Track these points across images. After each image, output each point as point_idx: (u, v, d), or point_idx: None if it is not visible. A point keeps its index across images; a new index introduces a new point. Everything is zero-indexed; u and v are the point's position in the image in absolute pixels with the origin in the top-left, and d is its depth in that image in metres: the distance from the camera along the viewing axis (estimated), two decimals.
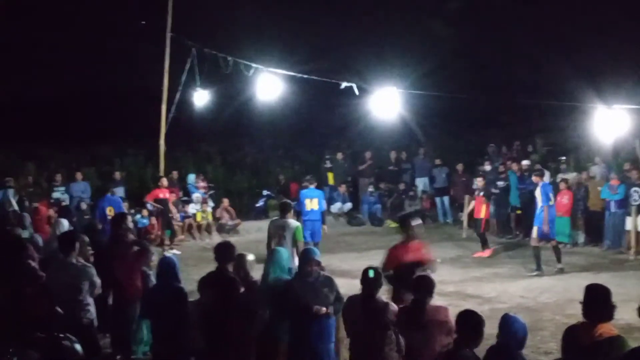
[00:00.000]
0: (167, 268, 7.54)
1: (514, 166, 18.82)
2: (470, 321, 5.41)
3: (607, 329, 5.22)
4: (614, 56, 20.54)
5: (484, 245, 16.38)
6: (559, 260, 14.23)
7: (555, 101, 17.19)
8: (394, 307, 6.55)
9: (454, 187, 20.73)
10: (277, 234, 11.30)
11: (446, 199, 20.53)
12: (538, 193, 14.29)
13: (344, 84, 12.45)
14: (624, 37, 20.59)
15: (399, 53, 23.22)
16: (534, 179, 15.00)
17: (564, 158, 19.74)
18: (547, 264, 14.25)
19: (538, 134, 22.44)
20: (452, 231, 19.19)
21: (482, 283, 13.36)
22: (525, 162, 19.21)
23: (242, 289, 7.33)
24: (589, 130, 12.59)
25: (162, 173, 18.96)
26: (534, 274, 13.83)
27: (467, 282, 13.46)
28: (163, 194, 18.16)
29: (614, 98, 12.22)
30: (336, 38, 24.49)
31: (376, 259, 15.50)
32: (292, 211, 11.93)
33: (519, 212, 18.50)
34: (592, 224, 17.20)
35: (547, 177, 18.14)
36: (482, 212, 16.50)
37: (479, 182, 17.05)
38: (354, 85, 12.33)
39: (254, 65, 14.55)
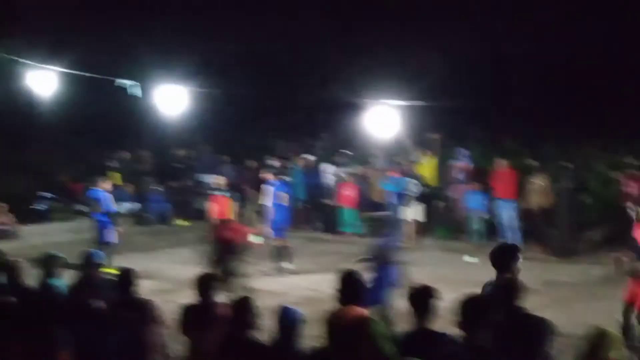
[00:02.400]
0: None
1: (299, 161, 19.32)
2: (243, 306, 5.61)
3: (355, 310, 5.49)
4: (390, 53, 21.63)
5: None
6: (283, 260, 14.17)
7: (338, 97, 17.88)
8: (155, 304, 6.48)
9: (245, 183, 20.86)
10: None
11: (235, 195, 20.59)
12: (269, 190, 14.37)
13: (121, 82, 12.13)
14: (392, 37, 21.79)
15: (187, 51, 23.03)
16: (264, 175, 14.93)
17: (347, 152, 20.51)
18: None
19: (324, 129, 23.13)
20: None
21: (271, 278, 13.55)
22: (309, 156, 19.81)
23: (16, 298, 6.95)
24: (370, 125, 13.18)
25: None
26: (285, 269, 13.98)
27: (256, 277, 13.60)
28: None
29: (390, 94, 12.86)
30: (118, 33, 23.83)
31: (164, 259, 15.46)
32: None
33: (305, 206, 19.02)
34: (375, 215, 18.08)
35: (331, 170, 18.80)
36: (225, 212, 15.49)
37: (217, 180, 16.29)
38: (132, 84, 12.05)
39: (21, 60, 13.75)
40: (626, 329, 8.56)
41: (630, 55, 19.01)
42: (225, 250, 12.10)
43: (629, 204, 9.33)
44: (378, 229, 17.03)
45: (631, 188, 14.43)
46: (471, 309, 4.79)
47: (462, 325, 4.77)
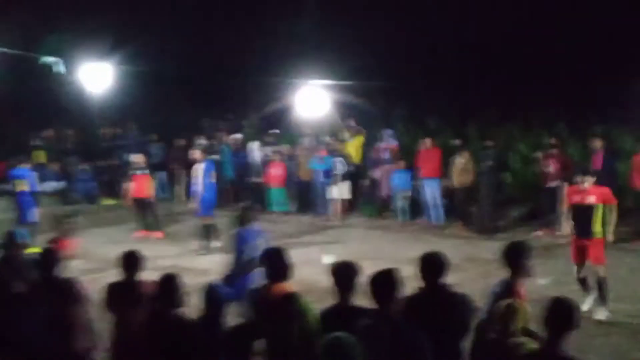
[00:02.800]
0: None
1: (227, 140, 19.29)
2: (170, 284, 5.65)
3: (282, 287, 5.62)
4: (317, 33, 21.75)
5: (157, 225, 15.98)
6: (211, 238, 14.09)
7: (267, 76, 17.92)
8: (80, 283, 6.45)
9: (174, 162, 20.72)
10: None
11: (163, 174, 20.46)
12: (197, 169, 14.32)
13: (45, 59, 11.89)
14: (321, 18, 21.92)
15: (112, 29, 22.63)
16: (196, 155, 14.88)
17: (276, 131, 20.54)
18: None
19: (252, 108, 23.08)
20: (169, 206, 19.17)
21: (199, 256, 13.57)
22: (237, 136, 19.81)
23: None
24: (299, 105, 13.27)
25: None
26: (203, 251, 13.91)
27: (184, 256, 13.61)
28: None
29: (318, 75, 12.98)
30: (42, 9, 23.26)
31: (90, 238, 15.27)
32: None
33: (233, 184, 19.04)
34: (303, 193, 18.22)
35: (257, 149, 18.80)
36: (146, 191, 15.86)
37: (136, 159, 16.44)
38: (55, 61, 11.85)
39: None
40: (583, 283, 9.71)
41: (551, 39, 19.54)
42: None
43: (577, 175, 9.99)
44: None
45: (550, 167, 14.87)
46: (382, 283, 4.93)
47: (375, 298, 4.91)
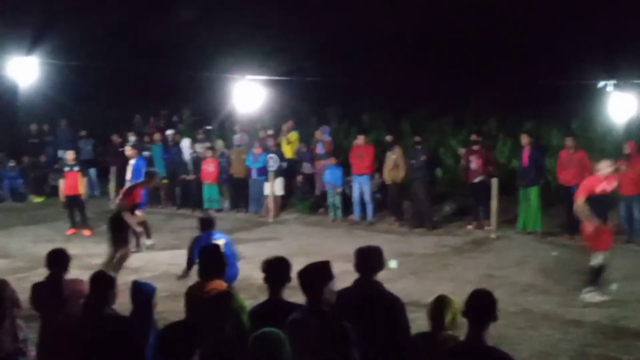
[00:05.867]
0: None
1: (156, 136, 19.01)
2: (101, 282, 5.52)
3: (217, 285, 5.60)
4: (251, 29, 21.66)
5: (85, 223, 15.61)
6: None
7: (201, 72, 17.75)
8: (9, 284, 6.27)
9: (108, 157, 20.33)
10: None
11: (92, 171, 20.05)
12: (128, 166, 14.06)
13: None
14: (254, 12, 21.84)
15: (38, 19, 22.11)
16: (127, 152, 14.65)
17: (209, 127, 20.34)
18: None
19: (185, 104, 22.84)
20: (100, 203, 18.78)
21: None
22: (169, 132, 19.55)
23: None
24: (233, 100, 13.13)
25: None
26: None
27: None
28: None
29: (253, 70, 12.87)
30: None
31: (21, 236, 14.92)
32: None
33: (165, 181, 18.78)
34: (236, 191, 18.09)
35: (187, 146, 18.55)
36: (81, 188, 15.55)
37: (68, 155, 16.08)
38: None
39: None
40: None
41: (483, 37, 19.87)
42: None
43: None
44: None
45: (473, 163, 15.00)
46: (310, 276, 4.90)
47: (303, 291, 4.89)
